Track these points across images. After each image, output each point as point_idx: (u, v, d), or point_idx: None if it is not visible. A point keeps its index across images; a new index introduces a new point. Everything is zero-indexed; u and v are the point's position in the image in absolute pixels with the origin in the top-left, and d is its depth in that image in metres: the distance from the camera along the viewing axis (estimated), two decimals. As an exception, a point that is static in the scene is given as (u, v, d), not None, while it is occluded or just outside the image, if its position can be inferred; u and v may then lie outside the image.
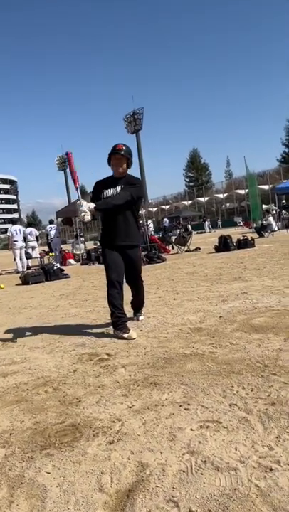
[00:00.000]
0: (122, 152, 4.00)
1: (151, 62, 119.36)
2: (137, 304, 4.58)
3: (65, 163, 77.44)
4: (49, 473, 1.76)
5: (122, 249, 4.08)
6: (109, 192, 4.05)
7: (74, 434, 2.08)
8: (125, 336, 3.77)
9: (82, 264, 14.78)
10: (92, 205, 3.83)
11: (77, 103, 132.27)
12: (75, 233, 20.14)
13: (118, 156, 4.01)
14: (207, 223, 34.93)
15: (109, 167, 4.13)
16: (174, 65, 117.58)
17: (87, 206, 3.80)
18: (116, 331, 3.89)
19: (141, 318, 4.51)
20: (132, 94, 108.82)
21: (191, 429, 1.98)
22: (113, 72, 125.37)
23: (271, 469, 1.59)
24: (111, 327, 4.04)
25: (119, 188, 4.04)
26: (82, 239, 19.96)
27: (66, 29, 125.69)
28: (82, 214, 3.79)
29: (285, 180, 29.50)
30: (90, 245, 20.15)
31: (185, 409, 2.20)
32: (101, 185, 4.13)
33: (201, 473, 1.62)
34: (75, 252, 16.44)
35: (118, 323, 3.89)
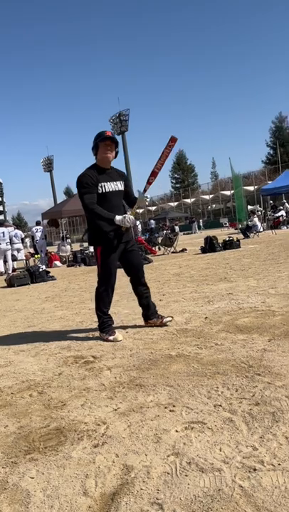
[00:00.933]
0: (113, 136, 3.86)
1: (137, 62, 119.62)
2: (149, 303, 4.15)
3: (50, 164, 77.02)
4: (33, 478, 1.74)
5: (126, 244, 3.96)
6: (111, 186, 3.82)
7: (58, 438, 2.06)
8: (111, 338, 3.76)
9: (68, 266, 14.70)
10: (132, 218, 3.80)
11: (62, 104, 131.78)
12: (61, 235, 20.05)
13: (109, 141, 3.81)
14: (195, 224, 35.07)
15: (93, 156, 3.89)
16: (159, 65, 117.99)
17: (126, 219, 3.74)
18: (102, 333, 3.88)
19: (168, 319, 4.10)
20: (118, 95, 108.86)
21: (176, 431, 1.98)
22: (99, 72, 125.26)
23: (255, 469, 1.60)
24: (98, 330, 4.02)
25: (120, 184, 3.90)
26: (69, 240, 19.89)
27: (51, 28, 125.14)
28: (129, 224, 3.76)
29: (270, 182, 29.82)
30: (77, 247, 20.07)
31: (170, 410, 2.21)
32: (95, 178, 3.77)
33: (186, 475, 1.62)
34: (61, 253, 16.35)
35: (105, 326, 3.88)
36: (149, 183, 4.01)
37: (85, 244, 16.85)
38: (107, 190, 3.81)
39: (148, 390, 2.52)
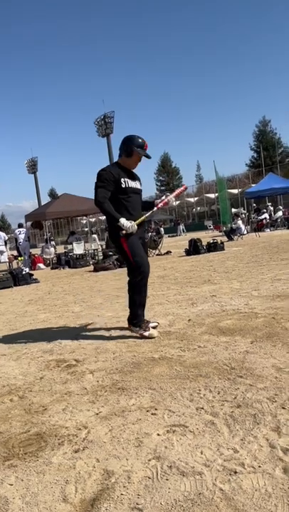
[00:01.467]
0: (148, 153, 3.91)
1: (122, 64, 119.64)
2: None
3: (35, 166, 76.43)
4: (12, 484, 1.71)
5: (142, 240, 3.99)
6: (133, 184, 3.91)
7: (39, 443, 2.03)
8: (146, 334, 3.71)
9: (52, 268, 14.59)
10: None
11: (47, 105, 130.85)
12: (45, 237, 19.89)
13: (143, 154, 3.88)
14: (181, 227, 35.16)
15: (127, 158, 3.89)
16: (143, 68, 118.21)
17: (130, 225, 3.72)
18: (135, 328, 3.81)
19: (154, 324, 4.06)
20: (103, 97, 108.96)
21: (158, 434, 1.97)
22: (84, 73, 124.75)
23: (235, 472, 1.61)
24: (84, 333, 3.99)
25: (139, 184, 4.01)
26: (53, 243, 19.72)
27: (34, 29, 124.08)
28: (131, 230, 3.72)
29: (253, 185, 30.13)
30: (61, 249, 19.92)
31: (152, 414, 2.20)
32: (120, 174, 3.81)
33: (167, 479, 1.61)
34: (44, 256, 16.22)
35: (139, 320, 3.85)
36: (157, 207, 4.13)
37: (70, 247, 16.74)
38: (129, 185, 3.86)
39: (130, 393, 2.51)
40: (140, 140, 3.89)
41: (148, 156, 3.92)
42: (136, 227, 3.76)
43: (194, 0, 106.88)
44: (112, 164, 3.99)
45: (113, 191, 3.78)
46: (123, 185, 3.80)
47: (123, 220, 3.68)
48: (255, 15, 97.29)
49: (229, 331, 3.61)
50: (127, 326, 4.14)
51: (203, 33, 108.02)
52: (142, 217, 3.94)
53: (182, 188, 4.69)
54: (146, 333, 3.73)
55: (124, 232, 3.70)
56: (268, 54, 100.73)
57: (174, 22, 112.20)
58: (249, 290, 5.40)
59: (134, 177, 3.98)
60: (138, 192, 3.98)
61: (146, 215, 4.03)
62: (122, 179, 3.81)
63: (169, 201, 4.12)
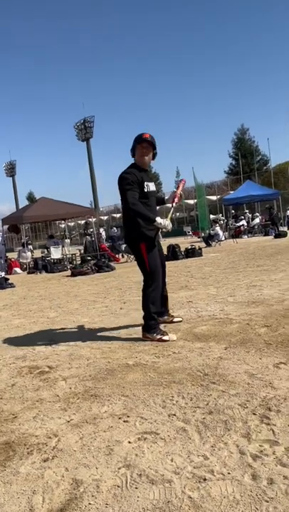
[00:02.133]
0: (150, 139, 3.84)
1: (102, 67, 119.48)
2: (166, 302, 4.32)
3: (13, 169, 75.57)
4: (-23, 496, 1.66)
5: (158, 244, 4.06)
6: (151, 186, 3.93)
7: (7, 452, 1.98)
8: (166, 338, 3.66)
9: (28, 273, 14.39)
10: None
11: (26, 108, 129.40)
12: (22, 241, 19.63)
13: (145, 144, 3.84)
14: (159, 232, 34.95)
15: (135, 157, 3.91)
16: (123, 71, 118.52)
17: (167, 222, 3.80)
18: (153, 334, 3.74)
19: (178, 319, 4.31)
20: (83, 100, 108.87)
21: (129, 442, 1.96)
22: (64, 76, 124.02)
23: (205, 479, 1.60)
24: (55, 339, 3.93)
25: (154, 185, 4.02)
26: (30, 247, 19.50)
27: (13, 28, 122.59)
28: (170, 227, 3.81)
29: (232, 192, 30.51)
30: (38, 253, 19.70)
31: (124, 421, 2.18)
32: (140, 177, 3.80)
33: (136, 488, 1.60)
34: (21, 260, 15.99)
35: (157, 327, 3.81)
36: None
37: (47, 251, 16.56)
38: (150, 189, 3.89)
39: (103, 400, 2.48)
40: (139, 134, 3.89)
41: (145, 140, 3.84)
42: (171, 223, 3.85)
43: (176, 2, 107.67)
44: (132, 166, 3.91)
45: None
46: (145, 189, 3.83)
47: (159, 219, 3.73)
48: (237, 20, 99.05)
49: (204, 336, 3.62)
50: (103, 333, 4.11)
51: (185, 36, 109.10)
52: (170, 215, 4.07)
53: (183, 182, 4.68)
54: (165, 337, 3.68)
55: (163, 230, 3.81)
56: (248, 61, 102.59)
57: (153, 23, 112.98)
58: (225, 296, 5.44)
59: (150, 178, 4.02)
60: (154, 195, 4.03)
61: (171, 212, 4.17)
62: (145, 183, 3.84)
63: (181, 195, 4.33)
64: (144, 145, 3.84)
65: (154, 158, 3.97)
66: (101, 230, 26.12)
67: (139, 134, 3.88)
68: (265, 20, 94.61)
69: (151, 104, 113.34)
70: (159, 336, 3.70)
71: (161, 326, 4.15)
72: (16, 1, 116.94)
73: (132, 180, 3.73)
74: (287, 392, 2.31)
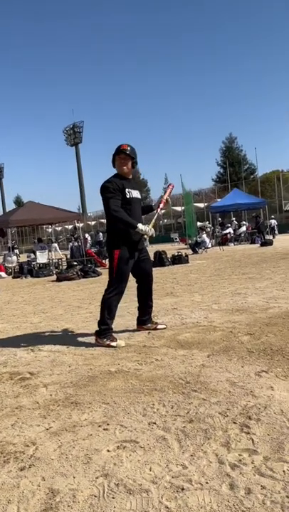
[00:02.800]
0: (128, 152, 3.97)
1: (93, 71, 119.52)
2: (150, 311, 4.40)
3: (1, 172, 75.02)
4: None
5: (140, 252, 4.12)
6: (135, 193, 4.04)
7: (-17, 461, 1.94)
8: (114, 344, 3.75)
9: (13, 277, 14.25)
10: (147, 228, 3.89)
11: (14, 111, 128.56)
12: (9, 245, 19.45)
13: (123, 155, 3.97)
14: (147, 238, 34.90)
15: (113, 168, 4.07)
16: (114, 78, 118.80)
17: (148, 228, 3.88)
18: (103, 339, 3.82)
19: (162, 326, 4.33)
20: (72, 105, 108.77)
21: (108, 451, 1.93)
22: (53, 81, 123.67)
23: (183, 489, 1.59)
24: (38, 345, 3.88)
25: (139, 193, 4.15)
26: (16, 251, 19.32)
27: (6, 29, 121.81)
28: (151, 233, 3.88)
29: (219, 200, 30.73)
30: (24, 258, 19.53)
31: (104, 429, 2.16)
32: (120, 185, 3.92)
33: (113, 497, 1.58)
34: (6, 264, 15.82)
35: (108, 332, 3.87)
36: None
37: (33, 255, 16.43)
38: (133, 196, 4.00)
39: (83, 407, 2.46)
40: (118, 146, 4.02)
41: (123, 152, 3.97)
42: (153, 230, 3.92)
43: (164, 5, 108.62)
44: (114, 175, 4.06)
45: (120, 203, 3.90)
46: (128, 196, 3.94)
47: (141, 226, 3.83)
48: (225, 26, 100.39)
49: (187, 344, 3.62)
50: (86, 339, 4.09)
51: (175, 42, 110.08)
52: (154, 221, 4.11)
53: (171, 187, 4.74)
54: (113, 343, 3.76)
55: (145, 236, 3.89)
56: (237, 69, 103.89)
57: (144, 29, 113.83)
58: (210, 303, 5.46)
59: (134, 187, 4.11)
60: (138, 202, 4.13)
61: (155, 218, 4.22)
62: (126, 189, 3.95)
63: (167, 200, 4.39)
64: (122, 156, 4.00)
65: (133, 167, 4.10)
66: (86, 235, 26.02)
67: (118, 146, 4.02)
68: (254, 28, 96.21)
69: (141, 110, 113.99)
70: (108, 342, 3.80)
71: (145, 333, 4.14)
72: (11, 3, 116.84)
73: (113, 188, 3.89)
74: (268, 400, 2.31)
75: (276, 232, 25.59)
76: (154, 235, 4.00)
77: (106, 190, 3.90)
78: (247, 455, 1.79)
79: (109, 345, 3.75)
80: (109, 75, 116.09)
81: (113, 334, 3.91)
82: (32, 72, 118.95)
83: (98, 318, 3.99)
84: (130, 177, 4.14)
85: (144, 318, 4.33)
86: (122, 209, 3.85)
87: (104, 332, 3.87)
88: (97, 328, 3.94)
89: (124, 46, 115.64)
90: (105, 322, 3.90)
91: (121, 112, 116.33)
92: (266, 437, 1.92)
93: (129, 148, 4.00)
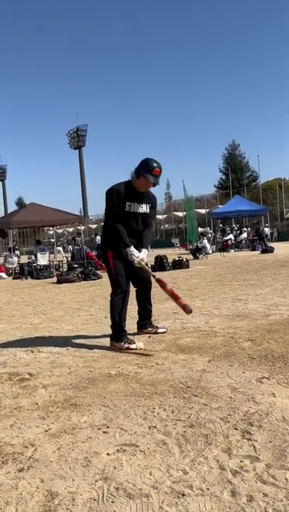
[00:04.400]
0: (158, 178, 3.83)
1: (97, 75, 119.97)
2: (150, 314, 4.37)
3: (3, 173, 75.21)
4: None
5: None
6: (135, 206, 3.86)
7: (-19, 461, 1.92)
8: (133, 346, 3.67)
9: (14, 278, 14.23)
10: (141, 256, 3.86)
11: (17, 112, 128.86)
12: (9, 246, 19.45)
13: (153, 179, 3.79)
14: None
15: (136, 179, 3.86)
16: (119, 82, 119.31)
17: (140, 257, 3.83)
18: (120, 343, 3.73)
19: (163, 330, 4.29)
20: (77, 108, 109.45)
21: (108, 454, 1.91)
22: (57, 82, 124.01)
23: (183, 494, 1.57)
24: (36, 346, 3.86)
25: (145, 207, 3.94)
26: (17, 252, 19.31)
27: (8, 32, 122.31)
28: (136, 261, 3.80)
29: (220, 206, 30.77)
30: (25, 259, 19.53)
31: (104, 432, 2.13)
32: (125, 195, 3.81)
33: (112, 502, 1.55)
34: (7, 265, 15.81)
35: (123, 335, 3.80)
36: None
37: (34, 257, 16.42)
38: (132, 210, 3.85)
39: (83, 410, 2.43)
40: (154, 165, 3.80)
41: (154, 183, 3.83)
42: (142, 263, 3.85)
43: (168, 9, 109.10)
44: (125, 182, 3.92)
45: (118, 211, 3.81)
46: (126, 209, 3.82)
47: (132, 250, 3.76)
48: (226, 31, 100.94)
49: (188, 348, 3.60)
50: (86, 341, 4.07)
51: (181, 46, 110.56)
52: (143, 265, 3.94)
53: (159, 284, 4.07)
54: (132, 346, 3.70)
55: (129, 259, 3.79)
56: (240, 75, 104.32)
57: (150, 32, 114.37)
58: (210, 309, 5.44)
59: (142, 199, 3.92)
60: (138, 216, 3.92)
61: (144, 263, 3.97)
62: (128, 202, 3.81)
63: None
64: (151, 180, 3.79)
65: (154, 186, 3.92)
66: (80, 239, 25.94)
67: (153, 166, 3.78)
68: (261, 33, 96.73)
69: (144, 115, 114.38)
70: (126, 345, 3.71)
71: (145, 337, 4.12)
72: (16, 4, 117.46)
73: (116, 197, 3.80)
74: (270, 407, 2.29)
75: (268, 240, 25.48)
76: (138, 266, 3.86)
77: (109, 197, 3.83)
78: (249, 462, 1.77)
79: (128, 349, 3.66)
80: (113, 79, 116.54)
81: (129, 336, 3.85)
82: (36, 75, 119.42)
83: (110, 323, 3.90)
84: (143, 191, 3.93)
85: (144, 322, 4.30)
86: (120, 225, 3.76)
87: (119, 335, 3.79)
88: (111, 333, 3.86)
89: (129, 50, 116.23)
90: (118, 325, 3.82)
91: (124, 116, 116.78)
92: (268, 444, 1.90)
93: (160, 175, 3.83)
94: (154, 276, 4.05)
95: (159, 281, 3.96)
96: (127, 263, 3.86)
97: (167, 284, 4.04)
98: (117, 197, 3.79)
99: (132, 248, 3.78)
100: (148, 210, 3.99)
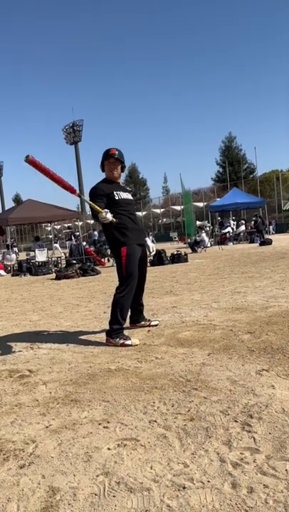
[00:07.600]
0: (116, 156, 3.99)
1: (92, 70, 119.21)
2: (142, 309, 4.40)
3: (0, 170, 74.88)
4: None
5: (141, 246, 4.12)
6: (124, 195, 4.04)
7: (-18, 458, 1.92)
8: (128, 342, 3.67)
9: (12, 275, 14.23)
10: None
11: (12, 108, 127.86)
12: (7, 243, 19.43)
13: (112, 160, 3.99)
14: (151, 238, 34.74)
15: (102, 172, 4.10)
16: (114, 76, 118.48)
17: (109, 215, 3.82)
18: (116, 339, 3.72)
19: (155, 322, 4.35)
20: (72, 104, 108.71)
21: (108, 449, 1.92)
22: (53, 77, 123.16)
23: (184, 487, 1.57)
24: (35, 343, 3.86)
25: (130, 195, 4.16)
26: (15, 249, 19.29)
27: (6, 28, 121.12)
28: (108, 217, 3.78)
29: (218, 199, 30.73)
30: (23, 256, 19.53)
31: (104, 427, 2.14)
32: (107, 188, 3.97)
33: (114, 496, 1.56)
34: (5, 262, 15.80)
35: (120, 331, 3.80)
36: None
37: (32, 253, 16.40)
38: (122, 197, 4.00)
39: (83, 405, 2.44)
40: (106, 150, 4.01)
41: (112, 156, 3.98)
42: (112, 219, 3.81)
43: (163, 5, 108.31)
44: (102, 180, 4.09)
45: (110, 205, 3.87)
46: (116, 198, 3.94)
47: (106, 210, 3.78)
48: (223, 26, 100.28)
49: (187, 342, 3.60)
50: (86, 337, 4.07)
51: (176, 40, 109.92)
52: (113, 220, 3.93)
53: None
54: (128, 342, 3.69)
55: (109, 219, 3.78)
56: (237, 70, 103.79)
57: (145, 27, 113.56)
58: (209, 302, 5.44)
59: (125, 189, 4.15)
60: (130, 203, 4.11)
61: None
62: (114, 192, 3.96)
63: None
64: (111, 160, 4.01)
65: (122, 170, 4.12)
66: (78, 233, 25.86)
67: (107, 150, 4.02)
68: (261, 28, 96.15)
69: (141, 109, 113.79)
70: (122, 341, 3.70)
71: (145, 331, 4.13)
72: (12, 2, 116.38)
73: (97, 193, 3.95)
74: (269, 399, 2.30)
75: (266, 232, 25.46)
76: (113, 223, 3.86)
77: (90, 195, 3.97)
78: (249, 454, 1.78)
79: (123, 345, 3.66)
80: (110, 73, 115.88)
81: (125, 333, 3.85)
82: (32, 70, 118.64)
83: (109, 319, 3.90)
84: (119, 181, 4.15)
85: (136, 316, 4.33)
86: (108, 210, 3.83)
87: (116, 331, 3.78)
88: (108, 329, 3.85)
89: (125, 45, 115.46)
90: (118, 322, 3.82)
91: (120, 110, 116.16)
92: (268, 436, 1.91)
93: (117, 152, 4.00)
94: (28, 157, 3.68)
95: (32, 162, 3.66)
96: (141, 261, 4.01)
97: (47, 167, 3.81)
98: (100, 193, 3.92)
99: (105, 212, 3.78)
100: (132, 198, 4.18)
